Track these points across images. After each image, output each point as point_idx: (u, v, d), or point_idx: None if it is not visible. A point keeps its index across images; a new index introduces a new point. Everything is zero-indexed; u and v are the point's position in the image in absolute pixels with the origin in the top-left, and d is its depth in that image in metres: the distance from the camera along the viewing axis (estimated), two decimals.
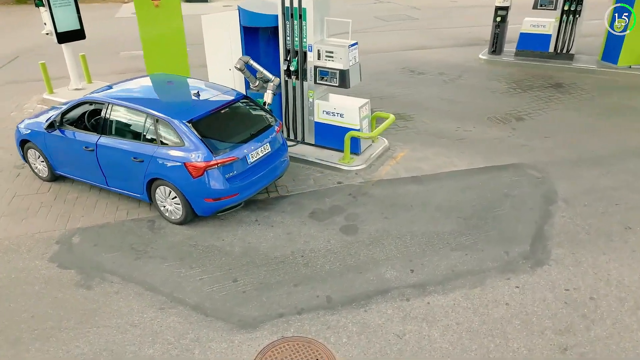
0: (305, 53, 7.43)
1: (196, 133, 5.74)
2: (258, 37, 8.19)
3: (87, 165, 6.55)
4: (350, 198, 6.76)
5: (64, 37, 10.28)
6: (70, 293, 5.13)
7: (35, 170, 7.40)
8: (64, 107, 6.79)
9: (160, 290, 5.15)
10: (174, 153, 5.79)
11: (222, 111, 6.18)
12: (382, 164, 7.66)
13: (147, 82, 7.21)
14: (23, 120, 7.42)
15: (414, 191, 6.90)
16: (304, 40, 7.34)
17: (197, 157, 5.68)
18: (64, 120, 6.68)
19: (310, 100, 7.71)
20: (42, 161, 7.17)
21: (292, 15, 7.26)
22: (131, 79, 7.31)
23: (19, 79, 12.36)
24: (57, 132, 6.67)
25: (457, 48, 14.49)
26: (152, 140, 5.98)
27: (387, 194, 6.83)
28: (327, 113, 7.64)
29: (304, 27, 7.23)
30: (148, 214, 6.49)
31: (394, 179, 7.23)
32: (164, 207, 6.20)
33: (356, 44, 7.37)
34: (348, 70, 7.22)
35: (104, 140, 6.27)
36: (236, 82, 8.21)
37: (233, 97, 6.45)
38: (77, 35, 10.50)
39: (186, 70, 9.15)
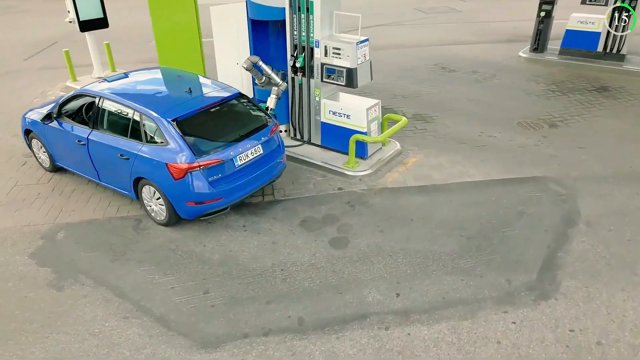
0: (312, 49, 6.99)
1: (180, 132, 5.45)
2: (268, 31, 7.81)
3: (81, 159, 6.44)
4: (348, 207, 6.30)
5: (87, 26, 10.30)
6: (41, 293, 5.00)
7: (39, 160, 7.40)
8: (62, 99, 6.70)
9: (129, 297, 4.92)
10: (157, 152, 5.53)
11: (212, 110, 5.86)
12: (390, 170, 7.13)
13: (151, 75, 6.98)
14: (30, 109, 7.41)
15: (418, 203, 6.35)
16: (311, 35, 6.89)
17: (180, 158, 5.39)
18: (62, 111, 6.59)
19: (317, 99, 7.27)
20: (45, 152, 7.14)
21: (299, 8, 6.82)
22: (139, 70, 7.11)
23: (52, 65, 12.57)
24: (54, 124, 6.59)
25: (497, 44, 13.55)
26: (138, 138, 5.75)
27: (387, 205, 6.32)
28: (334, 113, 7.18)
29: (311, 21, 6.79)
30: (138, 212, 6.30)
31: (399, 188, 6.69)
32: (150, 207, 5.99)
33: (367, 40, 6.86)
34: (356, 68, 6.73)
35: (95, 134, 6.11)
36: (244, 76, 7.89)
37: (227, 95, 6.10)
38: (100, 23, 10.51)
39: (199, 63, 8.89)
